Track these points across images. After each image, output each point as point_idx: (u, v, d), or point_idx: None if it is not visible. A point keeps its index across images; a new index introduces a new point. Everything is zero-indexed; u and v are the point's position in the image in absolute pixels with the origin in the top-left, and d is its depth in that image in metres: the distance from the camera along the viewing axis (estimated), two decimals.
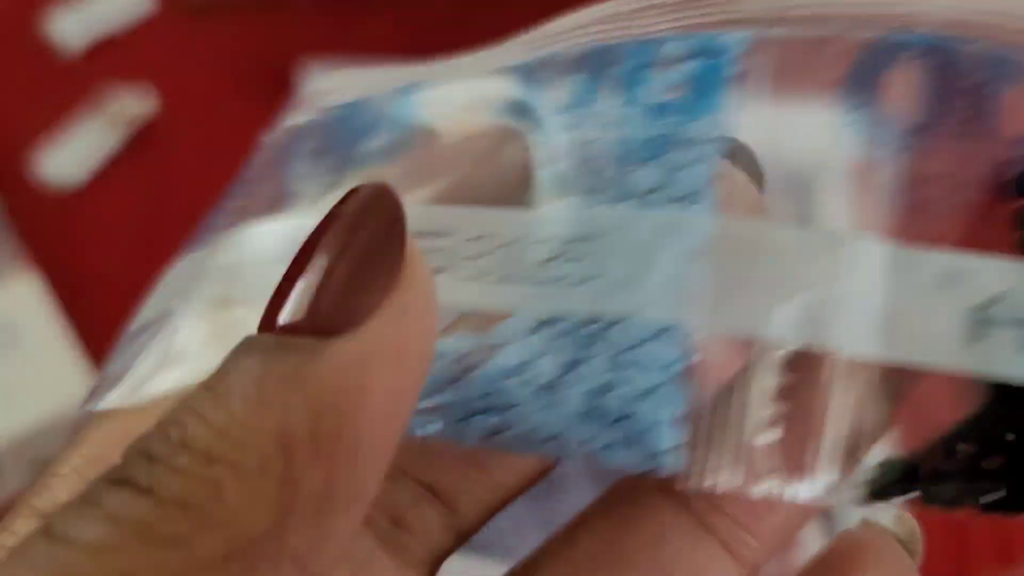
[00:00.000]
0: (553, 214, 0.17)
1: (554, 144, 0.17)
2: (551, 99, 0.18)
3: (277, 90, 0.53)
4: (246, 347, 0.13)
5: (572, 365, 0.16)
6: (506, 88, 0.19)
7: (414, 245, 0.14)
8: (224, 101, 0.54)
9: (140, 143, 0.53)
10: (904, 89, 0.16)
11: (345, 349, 0.13)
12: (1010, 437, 0.15)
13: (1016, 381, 0.14)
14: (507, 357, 0.16)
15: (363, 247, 0.13)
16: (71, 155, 0.52)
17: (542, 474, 0.19)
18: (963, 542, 0.39)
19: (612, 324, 0.16)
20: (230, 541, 0.12)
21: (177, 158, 0.53)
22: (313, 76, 0.53)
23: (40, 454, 0.44)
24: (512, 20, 0.61)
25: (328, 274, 0.13)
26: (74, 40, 0.55)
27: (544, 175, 0.17)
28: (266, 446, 0.12)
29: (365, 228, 0.13)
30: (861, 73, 0.16)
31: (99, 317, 0.49)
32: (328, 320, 0.13)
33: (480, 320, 0.16)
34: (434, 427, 0.16)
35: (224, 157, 0.53)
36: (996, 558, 0.39)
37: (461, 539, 0.19)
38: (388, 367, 0.13)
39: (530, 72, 0.19)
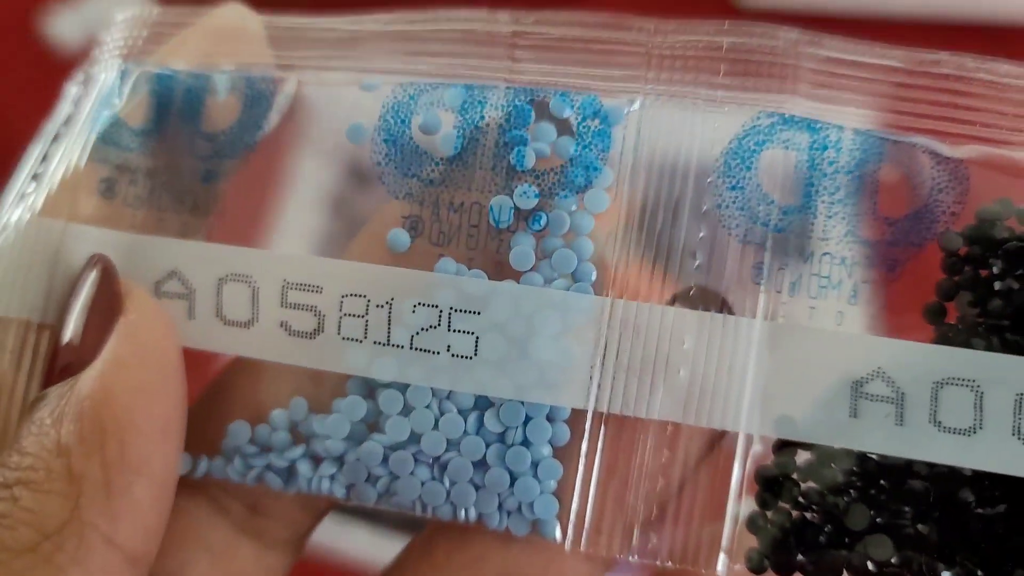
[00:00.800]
0: (435, 279, 0.17)
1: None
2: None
3: None
4: (30, 405, 0.18)
5: (457, 443, 0.17)
6: None
7: (128, 285, 0.19)
8: None
9: None
10: (779, 170, 0.17)
11: (89, 372, 0.17)
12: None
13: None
14: (397, 430, 0.18)
15: (94, 306, 0.18)
16: None
17: None
18: None
19: (499, 404, 0.17)
20: (37, 531, 0.16)
21: None
22: None
23: None
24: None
25: (73, 340, 0.18)
26: (72, 39, 0.55)
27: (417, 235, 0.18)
28: (49, 460, 0.17)
29: (96, 292, 0.18)
30: (739, 153, 0.17)
31: None
32: (81, 363, 0.17)
33: (365, 384, 0.19)
34: (338, 489, 0.19)
35: None
36: None
37: (321, 516, 0.21)
38: (127, 370, 0.17)
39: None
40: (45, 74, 0.56)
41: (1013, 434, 0.15)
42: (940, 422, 0.15)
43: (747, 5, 0.53)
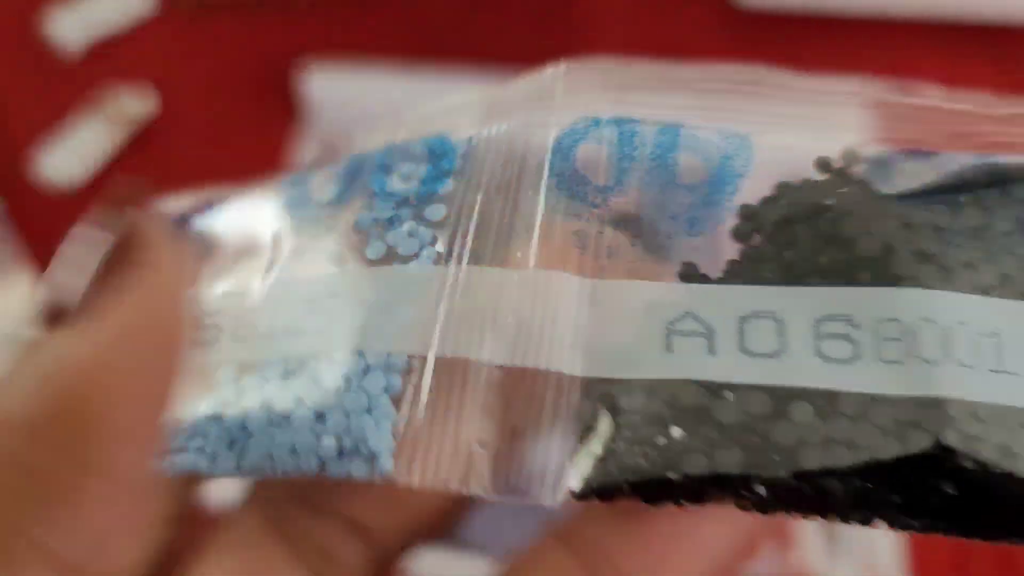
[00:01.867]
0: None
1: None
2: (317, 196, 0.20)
3: (277, 90, 0.53)
4: (15, 351, 0.14)
5: (299, 401, 0.18)
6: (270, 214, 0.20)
7: (152, 228, 0.15)
8: (224, 101, 0.54)
9: (140, 143, 0.53)
10: (594, 159, 0.19)
11: (78, 338, 0.13)
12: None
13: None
14: (250, 399, 0.18)
15: (114, 247, 0.14)
16: (71, 155, 0.52)
17: (458, 506, 0.20)
18: (963, 551, 0.39)
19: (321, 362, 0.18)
20: None
21: (177, 158, 0.53)
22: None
23: None
24: (511, 19, 0.61)
25: (88, 266, 0.14)
26: (74, 40, 0.55)
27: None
28: (11, 438, 0.12)
29: (116, 228, 0.15)
30: (561, 150, 0.19)
31: None
32: (72, 314, 0.13)
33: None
34: (195, 460, 0.17)
35: (224, 157, 0.53)
36: (996, 567, 0.39)
37: (383, 568, 0.20)
38: (125, 351, 0.13)
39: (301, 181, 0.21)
40: (45, 75, 0.56)
41: (815, 355, 0.17)
42: (748, 349, 0.17)
43: (747, 5, 0.53)
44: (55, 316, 0.14)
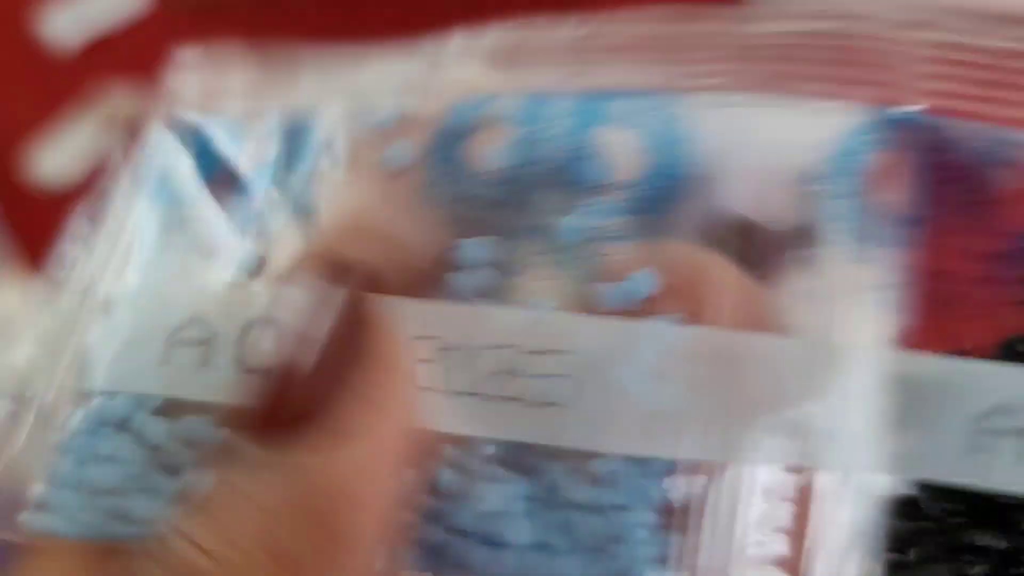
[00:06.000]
0: (506, 316, 0.15)
1: None
2: None
3: None
4: (226, 459, 0.13)
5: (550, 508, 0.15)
6: None
7: (380, 320, 0.14)
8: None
9: (135, 142, 0.53)
10: (893, 176, 0.15)
11: (334, 458, 0.13)
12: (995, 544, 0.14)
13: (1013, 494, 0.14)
14: (486, 499, 0.15)
15: (334, 337, 0.13)
16: (65, 154, 0.52)
17: None
18: None
19: (585, 458, 0.15)
20: None
21: None
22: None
23: None
24: (512, 19, 0.60)
25: (300, 367, 0.13)
26: (68, 38, 0.55)
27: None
28: (259, 564, 0.13)
29: (338, 344, 0.13)
30: (844, 158, 0.15)
31: None
32: (306, 411, 0.13)
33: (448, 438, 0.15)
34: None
35: None
36: None
37: None
38: (376, 460, 0.13)
39: None
40: (39, 73, 0.55)
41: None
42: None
43: (746, 4, 0.53)
44: (286, 379, 0.13)
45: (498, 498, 0.15)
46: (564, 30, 0.17)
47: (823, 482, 0.14)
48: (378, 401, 0.13)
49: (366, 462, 0.13)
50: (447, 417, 0.14)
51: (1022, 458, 0.14)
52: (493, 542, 0.14)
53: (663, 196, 0.15)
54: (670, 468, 0.14)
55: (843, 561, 0.14)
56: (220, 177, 0.18)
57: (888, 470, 0.14)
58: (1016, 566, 0.14)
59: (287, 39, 0.57)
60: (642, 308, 0.14)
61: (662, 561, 0.14)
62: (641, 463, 0.14)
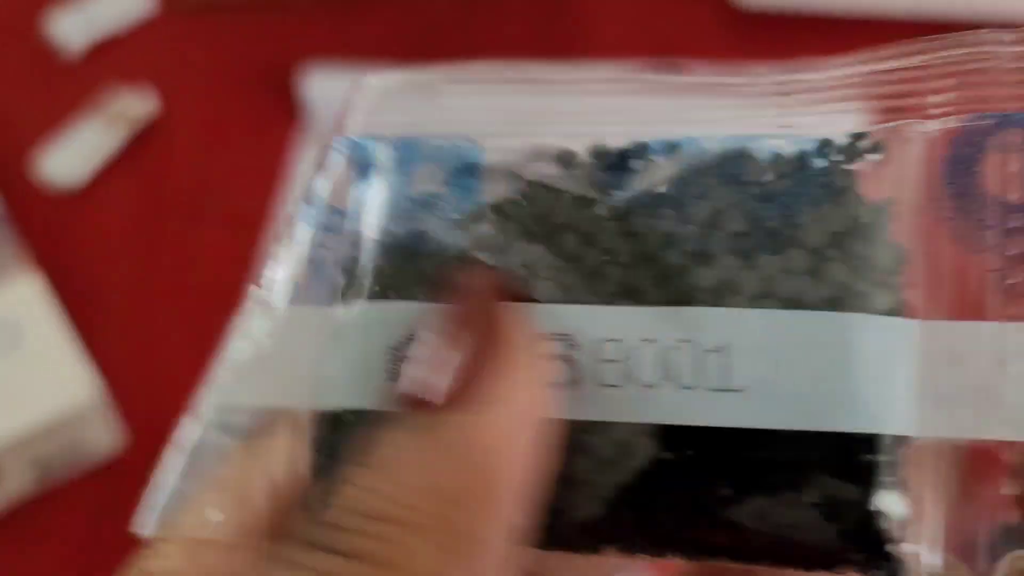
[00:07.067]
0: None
1: None
2: None
3: (277, 91, 0.53)
4: (391, 425, 0.16)
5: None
6: None
7: (513, 329, 0.16)
8: (224, 101, 0.54)
9: (141, 144, 0.53)
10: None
11: (484, 415, 0.15)
12: None
13: None
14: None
15: (479, 341, 0.16)
16: (72, 156, 0.52)
17: None
18: None
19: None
20: None
21: (177, 158, 0.53)
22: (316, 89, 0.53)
23: (40, 454, 0.44)
24: (510, 20, 0.61)
25: (452, 361, 0.16)
26: (75, 41, 0.55)
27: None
28: (427, 504, 0.15)
29: (480, 323, 0.16)
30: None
31: (101, 318, 0.49)
32: (459, 399, 0.16)
33: None
34: None
35: (224, 157, 0.53)
36: None
37: None
38: (521, 428, 0.16)
39: None
40: (46, 76, 0.56)
41: None
42: None
43: (746, 5, 0.53)
44: (416, 403, 0.16)
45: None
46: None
47: None
48: (514, 376, 0.16)
49: (509, 424, 0.16)
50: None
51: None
52: None
53: None
54: None
55: None
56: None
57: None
58: None
59: (288, 42, 0.57)
60: None
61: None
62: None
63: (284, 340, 0.18)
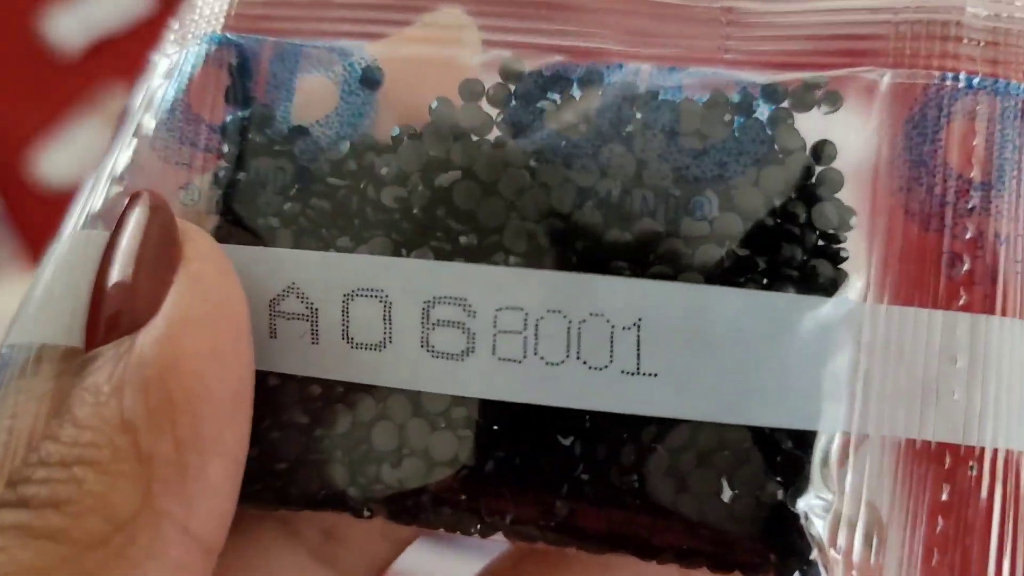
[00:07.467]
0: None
1: None
2: None
3: None
4: (71, 368, 0.15)
5: None
6: None
7: (188, 229, 0.15)
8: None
9: None
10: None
11: (151, 332, 0.15)
12: None
13: None
14: None
15: (147, 252, 0.15)
16: (69, 154, 0.52)
17: None
18: None
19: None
20: (107, 520, 0.14)
21: None
22: None
23: None
24: None
25: (123, 282, 0.15)
26: (72, 39, 0.55)
27: None
28: (112, 436, 0.14)
29: (145, 235, 0.15)
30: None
31: None
32: (135, 318, 0.15)
33: None
34: None
35: None
36: None
37: (403, 546, 0.19)
38: (196, 331, 0.15)
39: None
40: (44, 75, 0.56)
41: (422, 346, 0.14)
42: (352, 338, 0.15)
43: None
44: (115, 318, 0.15)
45: None
46: None
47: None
48: (185, 287, 0.15)
49: (184, 335, 0.15)
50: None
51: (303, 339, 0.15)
52: None
53: None
54: None
55: None
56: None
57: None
58: None
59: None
60: None
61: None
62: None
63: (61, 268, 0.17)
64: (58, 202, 0.51)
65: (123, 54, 0.55)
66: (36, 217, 0.51)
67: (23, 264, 0.47)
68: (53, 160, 0.52)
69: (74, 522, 0.14)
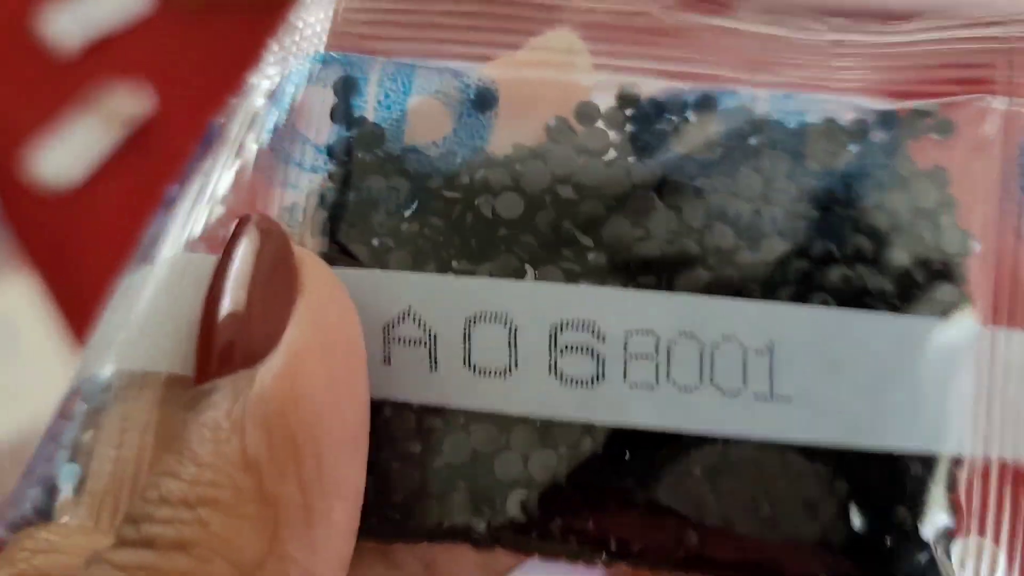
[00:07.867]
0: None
1: None
2: None
3: None
4: (182, 400, 0.14)
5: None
6: None
7: (303, 255, 0.15)
8: (220, 100, 0.54)
9: (136, 142, 0.53)
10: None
11: (271, 366, 0.14)
12: None
13: None
14: None
15: (261, 278, 0.15)
16: (67, 154, 0.52)
17: None
18: None
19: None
20: (235, 565, 0.13)
21: (173, 158, 0.53)
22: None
23: None
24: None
25: (237, 311, 0.14)
26: (69, 38, 0.55)
27: None
28: (234, 476, 0.14)
29: (258, 261, 0.15)
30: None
31: (96, 316, 0.48)
32: (252, 350, 0.14)
33: None
34: None
35: None
36: None
37: None
38: (316, 366, 0.14)
39: None
40: (41, 73, 0.56)
41: (550, 372, 0.14)
42: (475, 364, 0.14)
43: None
44: (228, 350, 0.14)
45: None
46: None
47: None
48: (305, 319, 0.14)
49: (311, 374, 0.14)
50: None
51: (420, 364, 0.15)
52: None
53: None
54: None
55: None
56: None
57: None
58: None
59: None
60: None
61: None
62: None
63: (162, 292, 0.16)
64: (54, 202, 0.51)
65: (121, 53, 0.55)
66: (32, 217, 0.51)
67: (18, 264, 0.47)
68: (50, 159, 0.52)
69: (201, 566, 0.13)
